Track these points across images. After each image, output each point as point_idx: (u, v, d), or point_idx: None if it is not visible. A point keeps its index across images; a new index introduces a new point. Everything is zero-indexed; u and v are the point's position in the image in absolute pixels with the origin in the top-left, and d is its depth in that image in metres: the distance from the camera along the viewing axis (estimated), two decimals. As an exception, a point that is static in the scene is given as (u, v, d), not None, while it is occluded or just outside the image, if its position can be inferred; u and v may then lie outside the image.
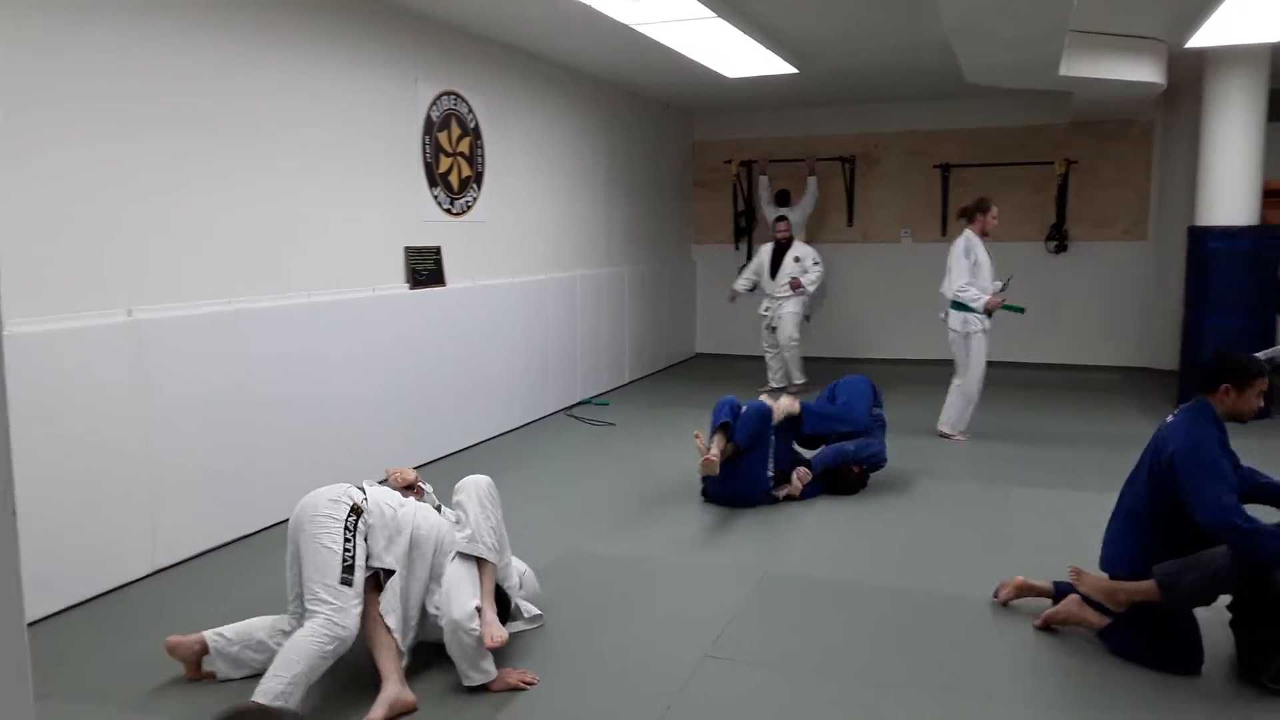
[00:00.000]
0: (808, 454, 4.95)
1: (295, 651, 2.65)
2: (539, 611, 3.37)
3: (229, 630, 2.96)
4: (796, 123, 9.58)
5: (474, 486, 3.16)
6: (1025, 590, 3.47)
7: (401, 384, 5.37)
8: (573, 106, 7.41)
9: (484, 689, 2.85)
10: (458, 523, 3.09)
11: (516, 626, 3.25)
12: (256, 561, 4.00)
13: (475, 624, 2.82)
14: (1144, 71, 6.41)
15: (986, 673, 3.04)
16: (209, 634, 2.95)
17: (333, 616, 2.70)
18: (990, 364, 6.15)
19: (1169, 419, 3.16)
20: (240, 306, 4.26)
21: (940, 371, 6.64)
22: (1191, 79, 7.09)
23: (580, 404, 7.42)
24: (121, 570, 3.72)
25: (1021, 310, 6.14)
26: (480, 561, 3.01)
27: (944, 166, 9.16)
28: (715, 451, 4.48)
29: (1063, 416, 6.87)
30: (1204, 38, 5.76)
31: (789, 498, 4.78)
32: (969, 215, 6.07)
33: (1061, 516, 4.51)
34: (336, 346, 4.85)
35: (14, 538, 1.07)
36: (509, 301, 6.48)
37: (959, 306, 6.01)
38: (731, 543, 4.28)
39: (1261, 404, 3.08)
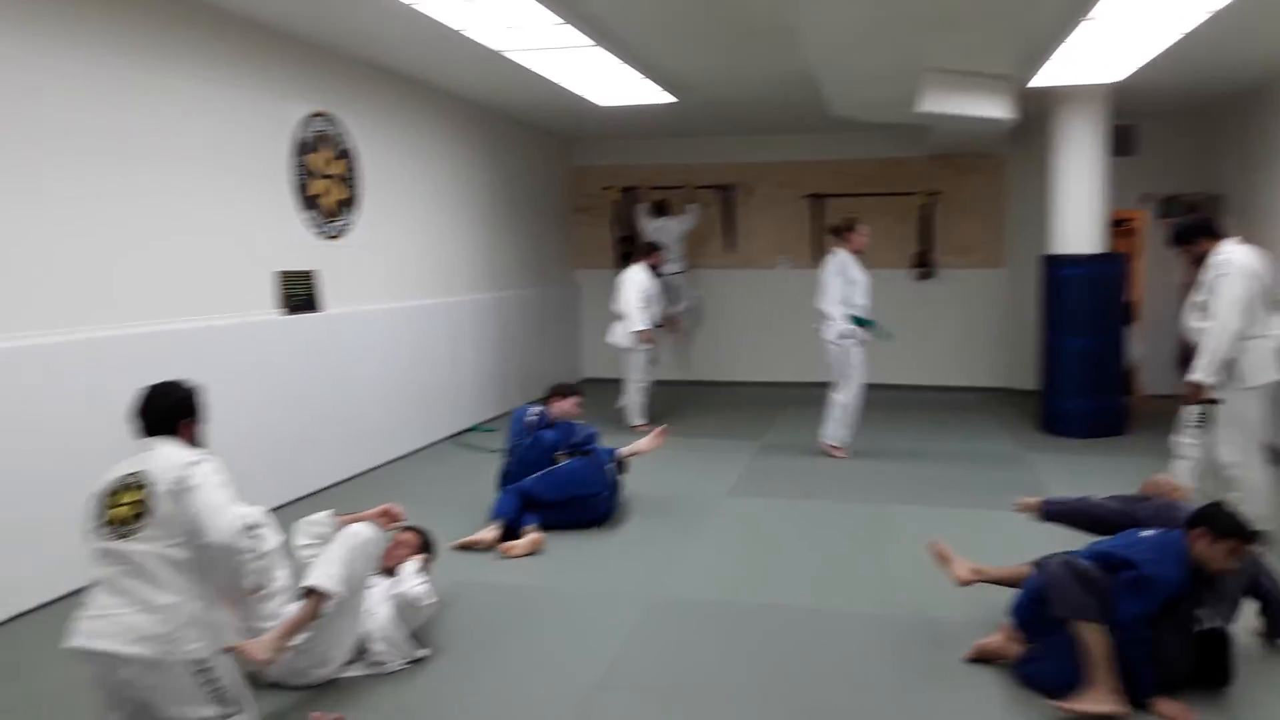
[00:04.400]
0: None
1: None
2: (425, 651, 3.28)
3: None
4: (674, 151, 9.76)
5: (349, 534, 3.08)
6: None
7: (276, 414, 5.15)
8: (452, 131, 7.33)
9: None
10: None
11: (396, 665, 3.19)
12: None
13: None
14: (994, 108, 6.79)
15: (889, 692, 3.08)
16: None
17: None
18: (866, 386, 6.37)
19: (1145, 533, 3.05)
20: (92, 335, 4.03)
21: (818, 393, 6.83)
22: (1039, 116, 7.58)
23: (467, 430, 7.29)
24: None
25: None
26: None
27: (814, 196, 9.49)
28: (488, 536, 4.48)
29: (933, 435, 7.17)
30: (1047, 77, 6.18)
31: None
32: (839, 234, 6.33)
33: (940, 533, 4.65)
34: (204, 375, 4.60)
35: None
36: (390, 327, 6.32)
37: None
38: (618, 568, 4.27)
39: (1233, 566, 2.86)
